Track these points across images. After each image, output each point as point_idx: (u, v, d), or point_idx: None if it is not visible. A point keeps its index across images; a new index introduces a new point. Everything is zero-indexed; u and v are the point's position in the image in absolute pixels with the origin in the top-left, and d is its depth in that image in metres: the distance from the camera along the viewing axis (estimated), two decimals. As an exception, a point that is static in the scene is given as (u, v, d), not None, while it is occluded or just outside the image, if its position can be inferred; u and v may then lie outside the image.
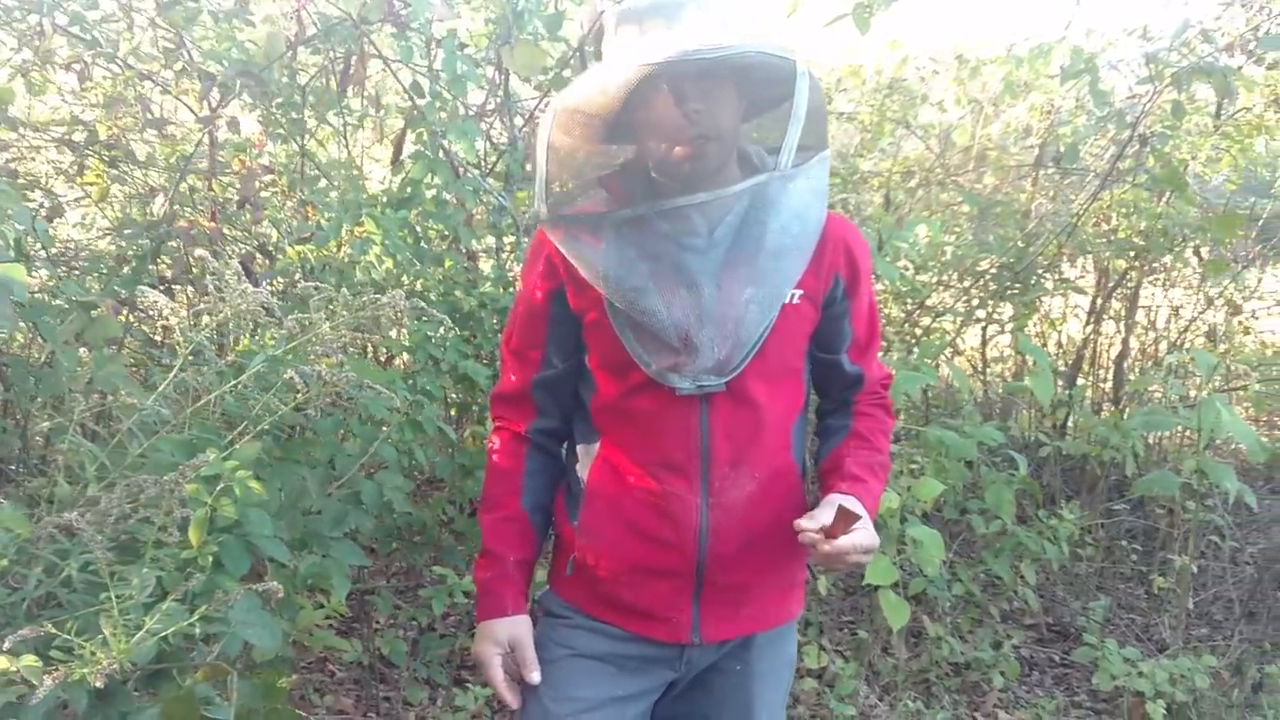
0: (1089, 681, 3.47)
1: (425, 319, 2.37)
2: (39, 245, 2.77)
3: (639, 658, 1.63)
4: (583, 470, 1.66)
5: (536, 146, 1.49)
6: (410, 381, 2.66)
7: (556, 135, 1.46)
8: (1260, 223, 4.66)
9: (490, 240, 3.29)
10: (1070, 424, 4.79)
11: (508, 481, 1.71)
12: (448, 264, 3.02)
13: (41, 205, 2.93)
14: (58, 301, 2.29)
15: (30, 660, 1.03)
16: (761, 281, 1.47)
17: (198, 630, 1.31)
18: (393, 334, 2.84)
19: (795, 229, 1.49)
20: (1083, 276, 5.18)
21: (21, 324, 2.33)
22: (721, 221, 1.47)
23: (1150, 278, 5.02)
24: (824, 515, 1.43)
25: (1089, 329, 5.00)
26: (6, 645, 1.11)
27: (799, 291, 1.57)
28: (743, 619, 1.64)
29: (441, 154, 2.97)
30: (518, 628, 1.62)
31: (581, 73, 3.18)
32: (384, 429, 2.36)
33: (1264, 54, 3.38)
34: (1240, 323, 5.04)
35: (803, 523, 1.44)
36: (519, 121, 3.44)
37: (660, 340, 1.48)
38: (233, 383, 1.65)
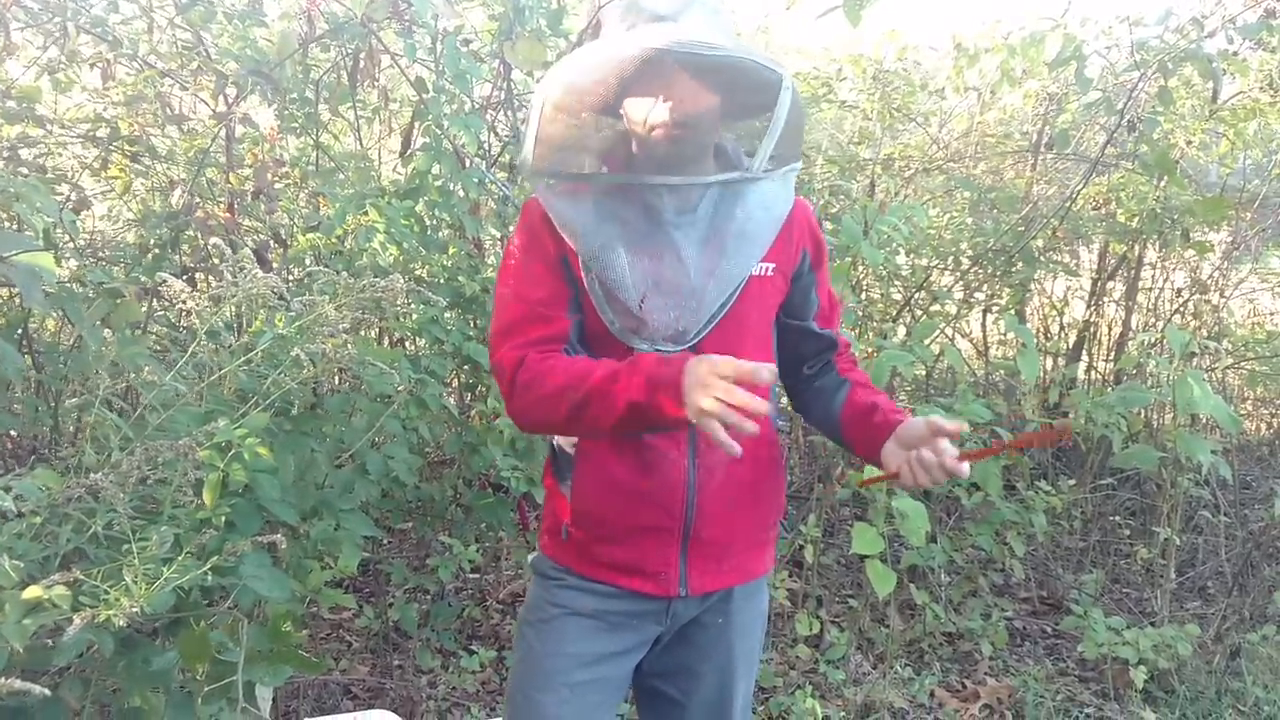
0: (1077, 651, 3.58)
1: (429, 303, 2.50)
2: (67, 236, 2.92)
3: (628, 613, 1.75)
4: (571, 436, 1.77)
5: (532, 103, 1.58)
6: (416, 362, 2.79)
7: (552, 97, 1.54)
8: (1256, 204, 4.74)
9: (494, 231, 3.40)
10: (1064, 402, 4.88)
11: (579, 360, 1.61)
12: (452, 250, 3.14)
13: (69, 198, 3.04)
14: (85, 288, 2.42)
15: (61, 590, 1.18)
16: (722, 262, 1.58)
17: (210, 580, 1.46)
18: (401, 318, 2.97)
19: (759, 217, 1.61)
20: (1077, 261, 5.27)
21: (51, 310, 2.46)
22: (692, 206, 1.57)
23: (1150, 261, 5.10)
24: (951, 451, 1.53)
25: (1090, 311, 5.09)
26: (41, 589, 1.25)
27: (771, 265, 1.70)
28: (725, 572, 1.77)
29: (447, 146, 3.09)
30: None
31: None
32: (391, 405, 2.51)
33: (1245, 39, 3.45)
34: (1224, 304, 5.11)
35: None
36: (522, 114, 3.55)
37: (622, 302, 1.59)
38: (244, 359, 1.79)
